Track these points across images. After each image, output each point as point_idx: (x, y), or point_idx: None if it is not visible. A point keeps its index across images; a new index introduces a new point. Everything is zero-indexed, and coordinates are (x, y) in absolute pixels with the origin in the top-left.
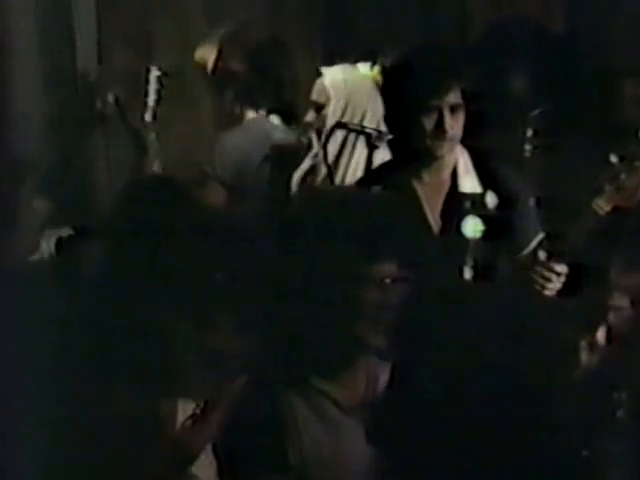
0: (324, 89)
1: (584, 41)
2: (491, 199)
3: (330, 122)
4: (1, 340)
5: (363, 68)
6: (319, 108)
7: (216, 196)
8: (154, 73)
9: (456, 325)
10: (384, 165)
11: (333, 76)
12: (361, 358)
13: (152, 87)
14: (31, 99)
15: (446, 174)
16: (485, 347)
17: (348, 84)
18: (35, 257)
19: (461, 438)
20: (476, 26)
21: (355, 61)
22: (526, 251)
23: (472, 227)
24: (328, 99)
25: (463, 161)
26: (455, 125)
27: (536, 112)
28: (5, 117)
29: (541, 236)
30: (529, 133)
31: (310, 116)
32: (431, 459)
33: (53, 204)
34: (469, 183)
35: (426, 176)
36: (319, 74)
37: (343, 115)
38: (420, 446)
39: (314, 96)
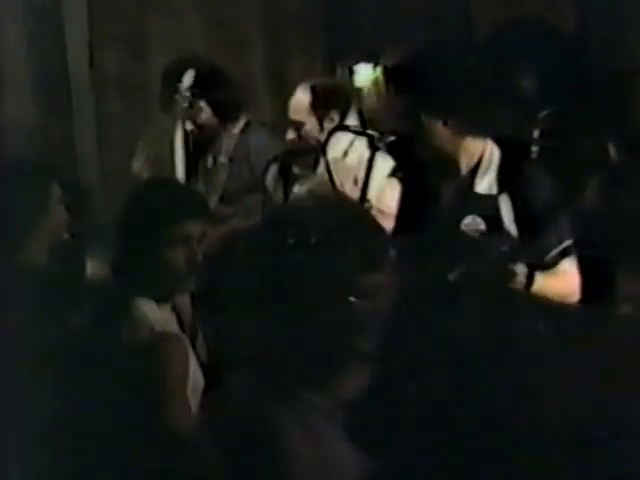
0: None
1: (594, 41)
2: (504, 203)
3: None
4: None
5: (365, 69)
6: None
7: None
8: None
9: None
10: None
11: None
12: (349, 365)
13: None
14: (22, 102)
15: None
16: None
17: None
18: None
19: (447, 441)
20: (483, 26)
21: (357, 62)
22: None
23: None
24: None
25: (487, 160)
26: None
27: (544, 113)
28: None
29: (569, 242)
30: (536, 134)
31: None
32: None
33: None
34: (485, 183)
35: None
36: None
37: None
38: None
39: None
